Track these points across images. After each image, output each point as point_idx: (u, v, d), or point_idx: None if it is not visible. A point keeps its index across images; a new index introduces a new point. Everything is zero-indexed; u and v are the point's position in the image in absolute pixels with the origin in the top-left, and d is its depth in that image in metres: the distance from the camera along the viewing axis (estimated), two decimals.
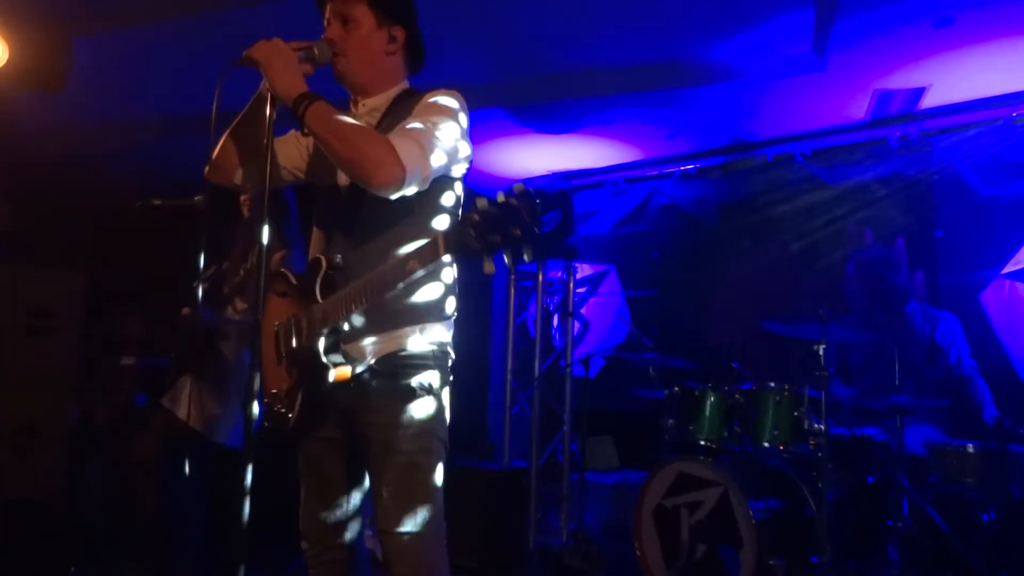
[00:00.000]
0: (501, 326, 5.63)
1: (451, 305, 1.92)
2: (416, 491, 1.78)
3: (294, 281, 1.93)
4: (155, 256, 4.37)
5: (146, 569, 3.13)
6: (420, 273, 1.60)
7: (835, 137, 4.72)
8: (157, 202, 2.99)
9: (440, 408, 1.85)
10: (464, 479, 3.86)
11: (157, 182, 3.19)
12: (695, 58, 3.97)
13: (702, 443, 3.52)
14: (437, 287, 1.87)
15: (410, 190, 1.73)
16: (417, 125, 1.76)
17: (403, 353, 1.82)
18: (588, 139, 5.01)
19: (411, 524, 1.75)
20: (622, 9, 3.52)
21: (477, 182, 5.63)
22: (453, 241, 1.50)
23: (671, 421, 3.67)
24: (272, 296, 1.97)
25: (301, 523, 1.94)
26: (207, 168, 1.98)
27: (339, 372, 1.77)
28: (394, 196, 1.72)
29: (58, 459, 3.65)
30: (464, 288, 1.98)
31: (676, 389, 3.70)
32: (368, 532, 1.98)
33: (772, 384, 3.43)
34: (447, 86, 1.91)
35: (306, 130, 1.73)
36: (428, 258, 1.57)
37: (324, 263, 1.82)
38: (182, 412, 3.08)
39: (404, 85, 2.00)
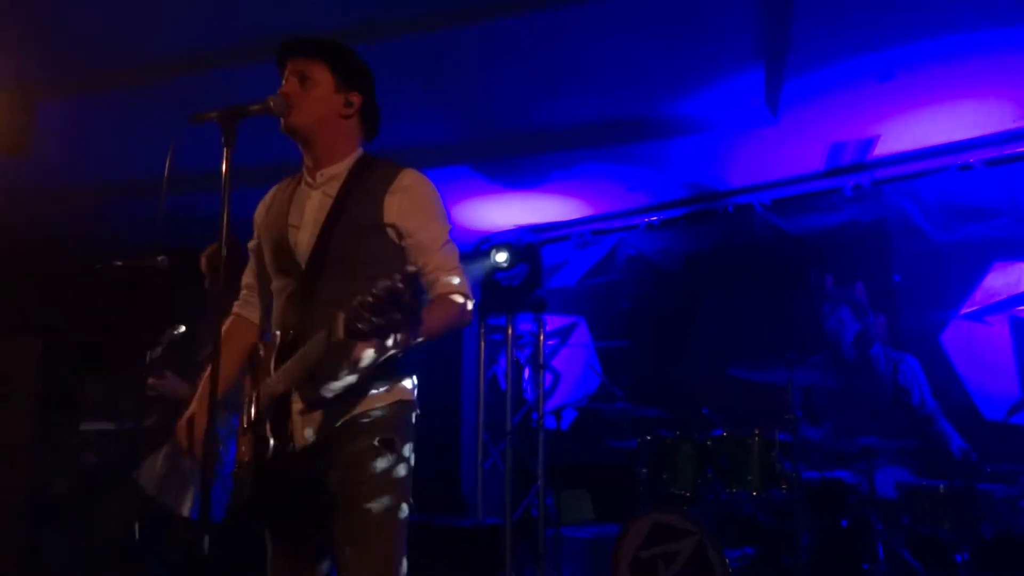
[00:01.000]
0: (472, 380, 5.60)
1: (410, 357, 1.91)
2: (378, 550, 1.75)
3: (261, 353, 1.94)
4: (115, 318, 4.29)
5: None
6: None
7: (792, 187, 4.86)
8: (118, 263, 2.96)
9: (402, 465, 1.82)
10: (437, 537, 3.78)
11: (114, 245, 3.16)
12: (655, 114, 4.10)
13: (676, 492, 3.51)
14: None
15: None
16: (448, 251, 1.90)
17: (363, 416, 1.82)
18: (554, 193, 5.10)
19: None
20: (583, 70, 3.64)
21: None
22: (347, 324, 1.51)
23: (644, 471, 3.66)
24: (249, 368, 1.98)
25: None
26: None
27: (299, 437, 1.79)
28: None
29: (11, 529, 3.50)
30: (433, 342, 1.98)
31: (648, 438, 3.70)
32: None
33: (743, 430, 3.45)
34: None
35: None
36: (324, 344, 1.61)
37: (279, 337, 1.86)
38: (152, 486, 3.00)
39: (359, 152, 2.01)
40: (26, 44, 3.31)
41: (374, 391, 1.83)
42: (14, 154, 3.60)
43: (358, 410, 1.82)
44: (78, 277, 3.27)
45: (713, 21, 3.23)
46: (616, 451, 4.20)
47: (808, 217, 4.82)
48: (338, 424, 1.81)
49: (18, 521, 3.54)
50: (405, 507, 1.81)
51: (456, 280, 1.85)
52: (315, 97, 1.91)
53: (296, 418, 1.82)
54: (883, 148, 4.40)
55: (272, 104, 1.84)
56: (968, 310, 4.18)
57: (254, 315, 2.12)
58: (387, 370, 1.84)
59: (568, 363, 5.73)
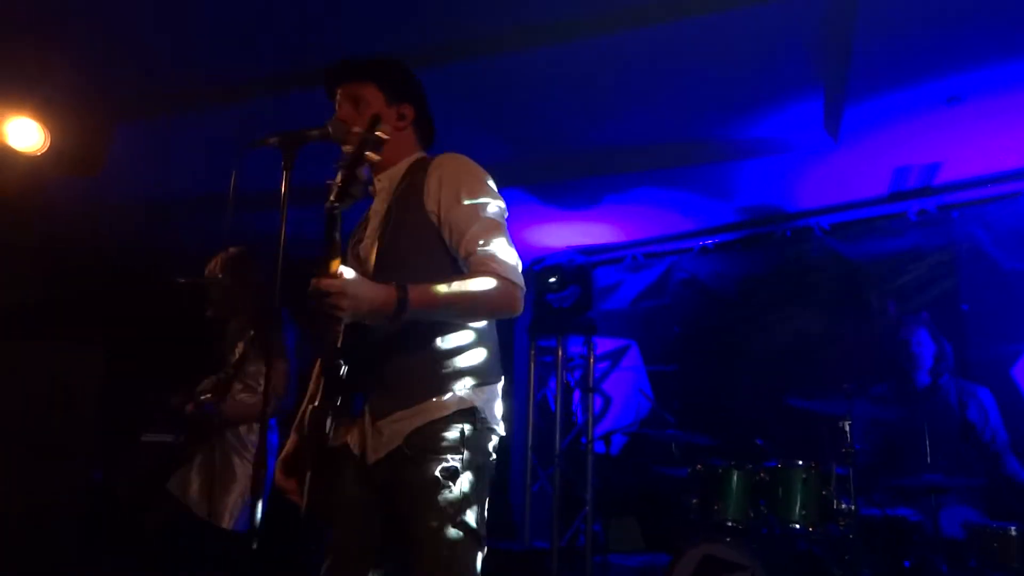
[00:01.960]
0: (522, 401, 5.58)
1: (487, 364, 1.89)
2: None
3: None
4: (176, 333, 4.42)
5: None
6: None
7: (853, 211, 4.74)
8: (181, 280, 3.05)
9: (466, 495, 1.76)
10: (484, 559, 3.74)
11: (177, 261, 3.26)
12: (713, 137, 4.06)
13: (728, 523, 3.41)
14: (466, 334, 1.87)
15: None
16: (480, 227, 1.79)
17: (430, 429, 1.76)
18: (607, 215, 5.08)
19: None
20: (641, 92, 3.63)
21: None
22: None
23: (695, 500, 3.57)
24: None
25: None
26: None
27: (370, 451, 1.79)
28: None
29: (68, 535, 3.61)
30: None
31: (699, 467, 3.61)
32: None
33: (798, 462, 3.34)
34: None
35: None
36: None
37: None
38: (188, 498, 3.07)
39: (416, 155, 2.03)
40: (107, 65, 3.44)
41: (435, 399, 1.79)
42: (88, 174, 3.76)
43: (425, 420, 1.77)
44: (142, 292, 3.38)
45: (777, 47, 3.19)
46: (666, 478, 4.11)
47: (869, 242, 4.69)
48: (406, 436, 1.77)
49: (75, 527, 3.64)
50: (469, 536, 1.77)
51: (489, 254, 1.76)
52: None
53: (368, 429, 1.81)
54: (949, 173, 4.26)
55: (331, 129, 1.86)
56: None
57: None
58: (450, 375, 1.82)
59: (619, 387, 5.67)
